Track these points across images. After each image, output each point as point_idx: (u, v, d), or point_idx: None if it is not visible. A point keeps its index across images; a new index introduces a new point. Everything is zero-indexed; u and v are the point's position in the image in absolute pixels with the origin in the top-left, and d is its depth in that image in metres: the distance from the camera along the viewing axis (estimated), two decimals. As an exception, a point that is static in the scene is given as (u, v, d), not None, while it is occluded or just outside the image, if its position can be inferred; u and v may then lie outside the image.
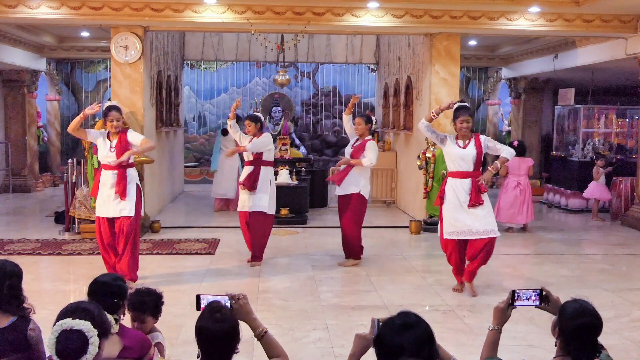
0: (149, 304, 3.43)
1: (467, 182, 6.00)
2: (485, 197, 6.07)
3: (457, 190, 6.02)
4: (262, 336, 2.67)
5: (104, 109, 6.34)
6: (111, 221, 6.24)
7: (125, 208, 6.18)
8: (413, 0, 8.77)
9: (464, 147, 6.02)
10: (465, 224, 5.99)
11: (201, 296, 2.72)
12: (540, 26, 9.18)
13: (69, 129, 6.14)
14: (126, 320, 3.47)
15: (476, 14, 9.00)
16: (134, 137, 6.22)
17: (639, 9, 8.87)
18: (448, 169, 6.22)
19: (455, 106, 6.20)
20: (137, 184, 6.30)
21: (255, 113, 7.77)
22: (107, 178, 6.20)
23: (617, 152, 12.40)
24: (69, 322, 2.26)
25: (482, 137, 6.15)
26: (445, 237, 6.13)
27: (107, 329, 2.43)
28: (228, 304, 2.65)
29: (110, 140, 6.19)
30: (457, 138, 6.10)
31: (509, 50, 13.86)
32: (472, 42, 13.27)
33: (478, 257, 6.08)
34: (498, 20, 9.07)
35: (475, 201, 5.97)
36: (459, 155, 6.02)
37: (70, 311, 2.34)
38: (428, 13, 8.96)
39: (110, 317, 2.76)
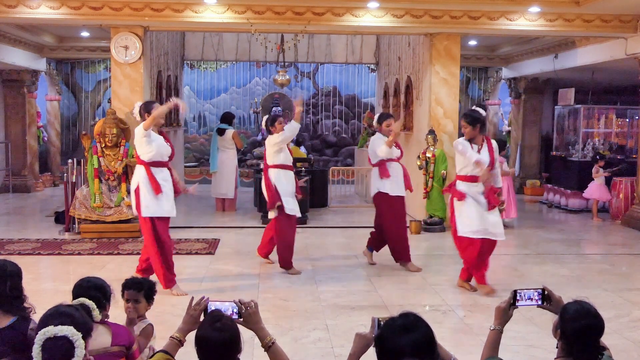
0: (144, 286, 3.56)
1: (480, 185, 6.00)
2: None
3: (472, 193, 6.01)
4: (269, 347, 2.62)
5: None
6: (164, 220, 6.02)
7: (175, 207, 6.14)
8: (413, 0, 8.78)
9: (478, 152, 6.00)
10: (488, 223, 5.99)
11: (209, 303, 2.64)
12: (540, 26, 9.19)
13: (146, 127, 5.84)
14: (120, 308, 3.53)
15: (476, 14, 9.01)
16: None
17: (639, 9, 8.87)
18: (459, 172, 6.13)
19: None
20: None
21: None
22: (165, 175, 6.07)
23: (617, 152, 12.39)
24: (52, 330, 2.23)
25: (495, 144, 6.15)
26: (470, 235, 6.03)
27: (90, 328, 2.42)
28: (236, 311, 2.59)
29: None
30: (470, 142, 6.08)
31: (509, 50, 13.85)
32: (472, 42, 13.26)
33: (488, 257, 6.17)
34: (498, 20, 9.07)
35: (495, 203, 6.01)
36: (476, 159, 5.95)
37: (51, 317, 2.32)
38: (428, 13, 8.97)
39: (92, 304, 2.78)
